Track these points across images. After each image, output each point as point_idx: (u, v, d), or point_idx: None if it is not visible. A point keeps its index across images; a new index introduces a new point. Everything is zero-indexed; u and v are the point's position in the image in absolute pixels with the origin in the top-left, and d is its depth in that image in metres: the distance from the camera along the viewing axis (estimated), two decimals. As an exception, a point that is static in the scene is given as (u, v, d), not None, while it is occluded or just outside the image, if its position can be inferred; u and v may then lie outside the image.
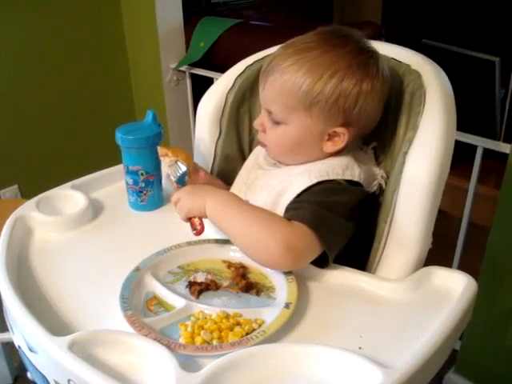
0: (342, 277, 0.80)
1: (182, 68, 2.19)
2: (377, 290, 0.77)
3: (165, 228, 0.94)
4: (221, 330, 0.68)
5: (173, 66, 2.21)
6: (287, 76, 0.83)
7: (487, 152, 1.45)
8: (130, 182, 0.98)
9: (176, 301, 0.74)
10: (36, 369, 0.70)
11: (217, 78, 1.12)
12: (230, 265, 0.82)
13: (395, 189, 0.84)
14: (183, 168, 0.90)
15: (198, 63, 2.13)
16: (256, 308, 0.73)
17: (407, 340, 0.67)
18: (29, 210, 0.94)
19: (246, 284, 0.77)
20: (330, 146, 0.87)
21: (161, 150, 0.92)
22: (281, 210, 0.85)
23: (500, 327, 1.42)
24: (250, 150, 1.08)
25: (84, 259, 0.86)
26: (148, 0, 2.09)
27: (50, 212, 0.94)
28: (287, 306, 0.71)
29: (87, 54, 2.19)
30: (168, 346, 0.64)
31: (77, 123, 2.24)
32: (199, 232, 0.83)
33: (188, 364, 0.63)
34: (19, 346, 0.74)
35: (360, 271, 0.81)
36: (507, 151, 1.28)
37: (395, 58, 0.92)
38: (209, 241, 0.86)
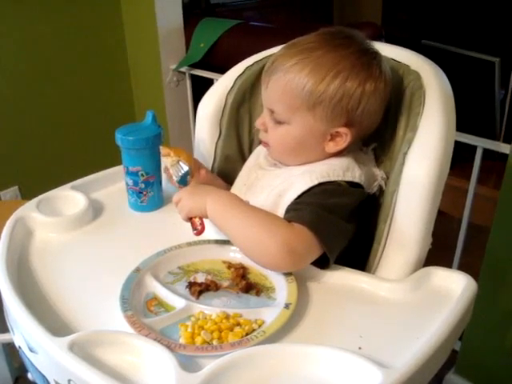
0: (342, 277, 0.80)
1: (182, 69, 2.19)
2: (377, 291, 0.77)
3: (165, 229, 0.94)
4: (221, 331, 0.68)
5: (173, 66, 2.21)
6: (290, 76, 0.83)
7: (487, 152, 1.45)
8: (130, 182, 0.98)
9: (176, 301, 0.74)
10: (36, 369, 0.70)
11: (217, 79, 1.12)
12: (230, 265, 0.82)
13: (395, 189, 0.84)
14: (185, 168, 0.90)
15: (198, 64, 2.14)
16: (256, 308, 0.73)
17: (407, 340, 0.67)
18: (29, 210, 0.94)
19: (246, 284, 0.77)
20: (332, 147, 0.88)
21: (163, 150, 0.92)
22: (281, 211, 0.85)
23: (500, 328, 1.42)
24: (250, 151, 1.08)
25: (84, 260, 0.87)
26: (148, 1, 2.09)
27: (51, 213, 0.94)
28: (287, 306, 0.71)
29: (87, 55, 2.19)
30: (168, 347, 0.64)
31: (77, 124, 2.24)
32: (199, 232, 0.83)
33: (188, 364, 0.63)
34: (19, 347, 0.74)
35: (360, 271, 0.81)
36: (507, 151, 1.28)
37: (395, 58, 0.92)
38: (209, 241, 0.86)
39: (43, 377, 0.69)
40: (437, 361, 0.66)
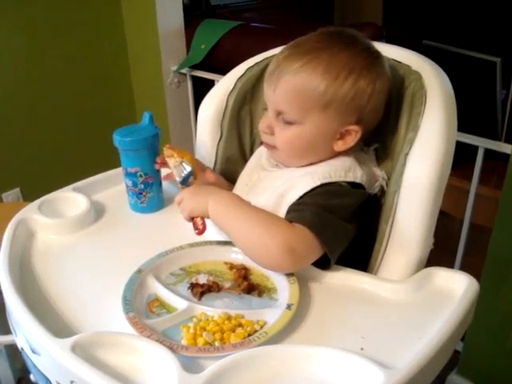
0: (344, 278, 0.80)
1: (183, 70, 2.19)
2: (378, 291, 0.77)
3: (166, 230, 0.94)
4: (223, 332, 0.68)
5: (174, 68, 2.21)
6: (303, 76, 0.83)
7: (488, 152, 1.45)
8: (129, 183, 0.98)
9: (178, 302, 0.74)
10: (39, 370, 0.70)
11: (218, 81, 1.12)
12: (231, 266, 0.82)
13: (396, 190, 0.84)
14: (188, 169, 0.90)
15: (198, 65, 2.14)
16: (258, 309, 0.73)
17: (409, 341, 0.67)
18: (31, 212, 0.94)
19: (248, 285, 0.77)
20: (340, 145, 0.88)
21: (166, 151, 0.92)
22: (283, 212, 0.85)
23: (502, 328, 1.42)
24: (252, 152, 1.08)
25: (86, 261, 0.87)
26: (149, 3, 2.10)
27: (52, 214, 0.94)
28: (289, 307, 0.71)
29: (88, 57, 2.19)
30: (170, 348, 0.64)
31: (78, 126, 2.25)
32: (201, 232, 0.83)
33: (190, 365, 0.63)
34: (22, 348, 0.74)
35: (362, 272, 0.81)
36: (508, 151, 1.29)
37: (396, 58, 0.92)
38: (210, 242, 0.86)
39: (46, 378, 0.69)
40: (439, 361, 0.66)
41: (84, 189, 1.02)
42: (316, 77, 0.82)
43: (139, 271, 0.78)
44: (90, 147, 2.26)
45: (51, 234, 0.92)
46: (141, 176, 0.96)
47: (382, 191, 0.91)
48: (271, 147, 0.91)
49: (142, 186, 0.97)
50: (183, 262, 0.83)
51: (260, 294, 0.77)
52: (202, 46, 2.13)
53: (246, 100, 1.07)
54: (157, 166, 0.97)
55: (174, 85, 2.26)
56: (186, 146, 2.24)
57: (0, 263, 0.81)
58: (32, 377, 0.79)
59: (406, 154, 0.83)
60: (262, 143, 0.96)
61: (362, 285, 0.78)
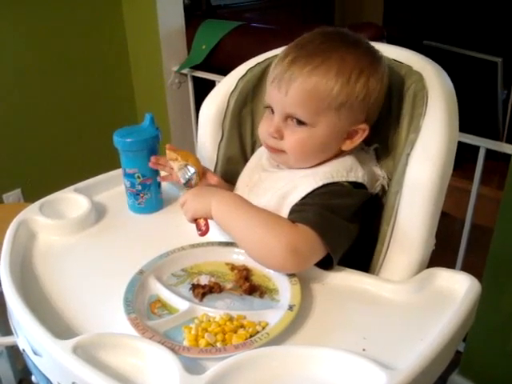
0: (346, 278, 0.80)
1: (184, 71, 2.19)
2: (380, 292, 0.77)
3: (168, 231, 0.94)
4: (225, 333, 0.68)
5: (175, 68, 2.21)
6: (316, 78, 0.82)
7: (490, 153, 1.45)
8: (128, 184, 0.98)
9: (180, 303, 0.74)
10: (40, 372, 0.70)
11: (219, 81, 1.12)
12: (233, 267, 0.82)
13: (398, 190, 0.84)
14: (192, 171, 0.90)
15: (199, 66, 2.14)
16: (260, 310, 0.73)
17: (411, 341, 0.67)
18: (32, 213, 0.94)
19: (250, 286, 0.77)
20: (348, 144, 0.88)
21: (170, 154, 0.92)
22: (285, 213, 0.85)
23: (504, 329, 1.42)
24: (253, 152, 1.07)
25: (87, 262, 0.87)
26: (149, 3, 2.10)
27: (53, 215, 0.94)
28: (291, 308, 0.71)
29: (89, 57, 2.19)
30: (172, 349, 0.64)
31: (79, 127, 2.25)
32: (204, 233, 0.83)
33: (192, 366, 0.63)
34: (23, 350, 0.74)
35: (363, 273, 0.81)
36: (510, 152, 1.29)
37: (397, 59, 0.92)
38: (212, 243, 0.86)
39: (47, 379, 0.69)
40: (441, 362, 0.66)
41: (85, 190, 1.02)
42: (331, 78, 0.82)
43: (141, 272, 0.78)
44: (91, 148, 2.27)
45: (52, 234, 0.92)
46: (138, 177, 0.97)
47: (383, 191, 0.91)
48: (279, 152, 0.89)
49: (140, 188, 0.97)
50: (185, 263, 0.83)
51: (262, 295, 0.77)
52: (203, 47, 2.13)
53: (248, 100, 1.07)
54: (150, 164, 0.96)
55: (175, 85, 2.26)
56: (187, 146, 2.24)
57: (1, 264, 0.81)
58: (33, 378, 0.79)
59: (408, 155, 0.83)
60: (267, 148, 0.93)
61: (363, 285, 0.78)
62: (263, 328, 0.69)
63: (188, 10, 2.25)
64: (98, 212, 0.98)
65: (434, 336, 0.65)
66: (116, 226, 0.96)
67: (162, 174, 1.01)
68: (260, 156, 1.01)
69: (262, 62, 1.05)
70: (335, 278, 0.80)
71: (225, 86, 1.07)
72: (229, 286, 0.79)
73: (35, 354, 0.70)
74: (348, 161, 0.88)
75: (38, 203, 0.96)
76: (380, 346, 0.67)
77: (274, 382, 0.61)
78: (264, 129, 0.90)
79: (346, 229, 0.81)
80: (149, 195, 0.98)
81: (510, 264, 1.34)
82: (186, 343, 0.67)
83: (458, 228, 1.63)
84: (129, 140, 0.94)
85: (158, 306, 0.75)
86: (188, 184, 0.90)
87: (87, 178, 1.06)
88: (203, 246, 0.85)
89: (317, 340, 0.69)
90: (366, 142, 0.94)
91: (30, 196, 2.11)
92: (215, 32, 2.13)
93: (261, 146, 1.02)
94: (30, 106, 2.07)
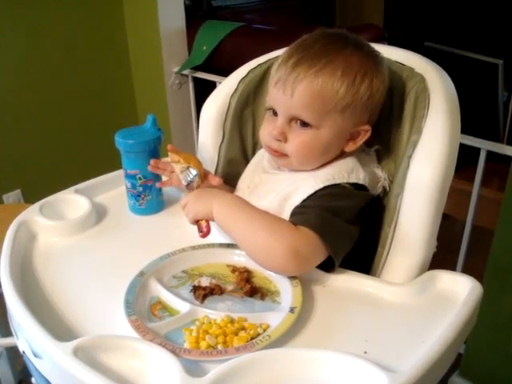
0: (347, 281, 0.79)
1: (185, 72, 2.19)
2: (381, 294, 0.77)
3: (168, 232, 0.94)
4: (226, 335, 0.68)
5: (175, 69, 2.21)
6: (323, 80, 0.82)
7: (490, 154, 1.45)
8: (129, 185, 0.98)
9: (180, 305, 0.74)
10: (40, 374, 0.70)
11: (220, 82, 1.12)
12: (234, 269, 0.82)
13: (399, 192, 0.84)
14: (193, 173, 0.90)
15: (200, 67, 2.14)
16: (261, 312, 0.73)
17: (412, 344, 0.67)
18: (32, 214, 0.94)
19: (251, 288, 0.77)
20: (351, 146, 0.88)
21: (172, 157, 0.92)
22: (286, 215, 0.84)
23: (505, 330, 1.42)
24: (254, 154, 1.07)
25: (88, 264, 0.86)
26: (150, 4, 2.10)
27: (54, 216, 0.94)
28: (292, 310, 0.71)
29: (90, 58, 2.19)
30: (173, 351, 0.64)
31: (80, 128, 2.25)
32: (205, 234, 0.83)
33: (193, 369, 0.63)
34: (23, 352, 0.74)
35: (365, 275, 0.81)
36: (510, 154, 1.28)
37: (398, 61, 0.92)
38: (213, 245, 0.86)
39: (48, 382, 0.68)
40: (442, 364, 0.66)
41: (86, 191, 1.02)
42: (337, 80, 0.82)
43: (141, 274, 0.78)
44: (92, 149, 2.26)
45: (53, 236, 0.92)
46: (140, 179, 0.96)
47: (385, 192, 0.91)
48: (282, 155, 0.89)
49: (141, 189, 0.97)
50: (186, 265, 0.83)
51: (263, 297, 0.76)
52: (204, 48, 2.13)
53: (249, 101, 1.06)
54: (150, 168, 0.96)
55: (176, 86, 2.26)
56: (188, 147, 2.24)
57: (1, 265, 0.81)
58: (33, 380, 0.79)
59: (410, 157, 0.83)
60: (267, 150, 0.93)
61: (365, 288, 0.78)
62: (264, 330, 0.69)
63: (189, 10, 2.25)
64: (99, 213, 0.98)
65: (435, 338, 0.65)
66: (117, 228, 0.96)
67: (164, 178, 1.01)
68: (261, 158, 1.01)
69: (263, 63, 1.04)
70: (337, 281, 0.80)
71: (226, 87, 1.06)
72: (230, 287, 0.78)
73: (35, 356, 0.69)
74: (349, 162, 0.88)
75: (38, 204, 0.96)
76: (382, 348, 0.67)
77: (275, 385, 0.61)
78: (266, 131, 0.89)
79: (348, 231, 0.80)
80: (150, 197, 0.98)
81: (510, 265, 1.34)
82: (186, 345, 0.67)
83: (458, 229, 1.63)
84: (130, 141, 0.94)
85: (159, 308, 0.75)
86: (190, 186, 0.90)
87: (88, 178, 1.05)
88: (204, 247, 0.85)
89: (318, 342, 0.68)
90: (367, 144, 0.94)
91: (30, 197, 2.11)
92: (216, 33, 2.13)
93: (262, 147, 1.01)
94: (30, 107, 2.07)
